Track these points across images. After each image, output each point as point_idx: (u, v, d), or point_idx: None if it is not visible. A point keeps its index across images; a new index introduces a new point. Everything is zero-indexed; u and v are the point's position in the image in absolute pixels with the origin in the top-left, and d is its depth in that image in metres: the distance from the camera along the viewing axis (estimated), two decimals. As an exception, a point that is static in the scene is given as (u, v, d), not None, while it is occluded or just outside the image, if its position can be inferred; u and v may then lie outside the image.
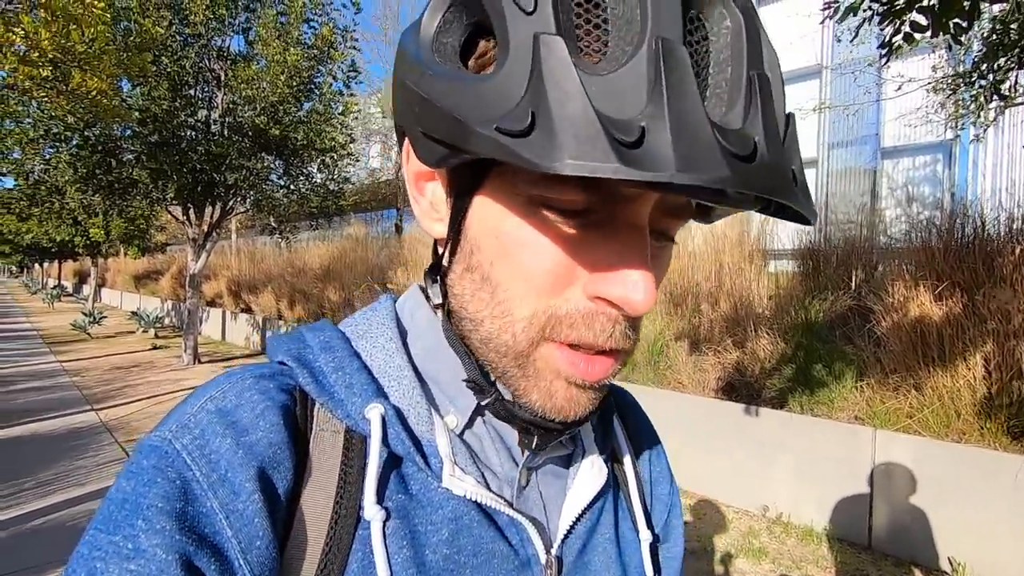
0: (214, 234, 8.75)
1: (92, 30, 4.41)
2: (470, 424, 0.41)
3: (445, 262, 0.39)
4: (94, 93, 4.81)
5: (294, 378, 0.39)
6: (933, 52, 5.75)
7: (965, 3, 2.00)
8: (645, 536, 0.48)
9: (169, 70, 7.36)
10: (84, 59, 4.62)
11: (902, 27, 2.26)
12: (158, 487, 0.32)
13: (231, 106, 7.97)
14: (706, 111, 0.26)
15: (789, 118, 0.31)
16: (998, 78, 3.63)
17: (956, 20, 2.07)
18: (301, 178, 8.93)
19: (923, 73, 6.00)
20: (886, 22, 2.29)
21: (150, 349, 10.69)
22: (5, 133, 7.53)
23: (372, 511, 0.35)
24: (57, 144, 7.76)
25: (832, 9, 2.76)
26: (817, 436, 3.46)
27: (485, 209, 0.35)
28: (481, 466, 0.40)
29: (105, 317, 14.15)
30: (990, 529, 2.82)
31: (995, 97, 3.70)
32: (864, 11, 2.53)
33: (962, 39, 2.24)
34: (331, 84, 8.27)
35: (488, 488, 0.39)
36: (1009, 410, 3.07)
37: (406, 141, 0.38)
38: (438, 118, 0.30)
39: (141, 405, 6.31)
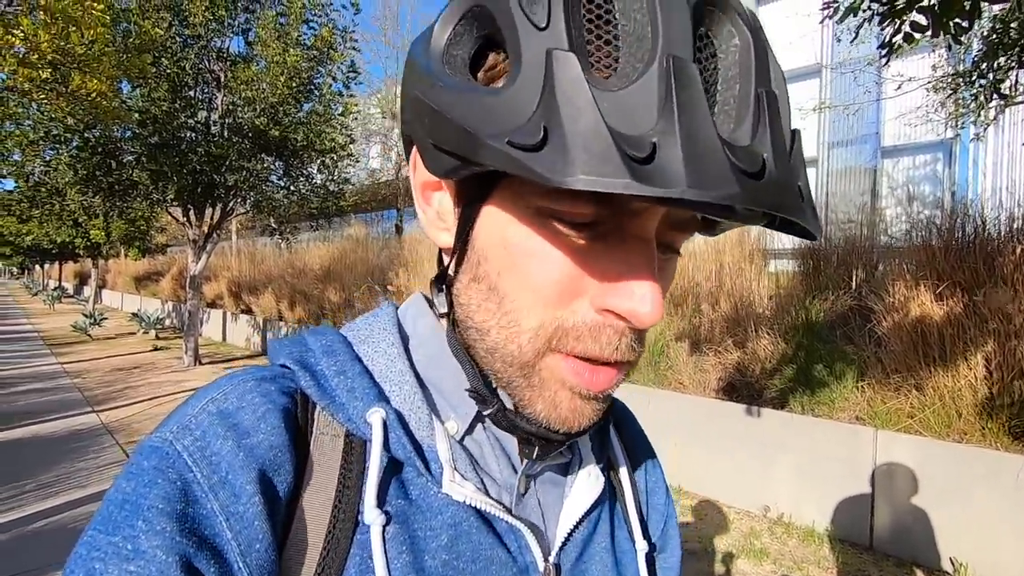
0: (214, 235, 8.75)
1: (91, 32, 4.42)
2: (470, 431, 0.41)
3: (451, 272, 0.39)
4: (94, 95, 4.81)
5: (296, 381, 0.39)
6: (933, 51, 5.75)
7: (966, 3, 1.99)
8: (641, 546, 0.48)
9: (169, 71, 7.36)
10: (83, 61, 4.62)
11: (902, 27, 2.26)
12: (159, 488, 0.31)
13: (231, 107, 7.97)
14: (716, 128, 0.26)
15: (795, 134, 0.31)
16: (998, 77, 3.63)
17: (956, 20, 2.07)
18: (301, 179, 8.93)
19: (923, 72, 6.00)
20: (886, 22, 2.28)
21: (151, 350, 10.69)
22: (5, 135, 7.54)
23: (372, 515, 0.35)
24: (57, 146, 7.76)
25: (832, 9, 2.76)
26: (818, 436, 3.45)
27: (493, 220, 0.35)
28: (481, 472, 0.40)
29: (106, 318, 14.16)
30: (992, 529, 2.81)
31: (995, 96, 3.70)
32: (864, 11, 2.53)
33: (962, 39, 2.24)
34: (331, 85, 8.27)
35: (487, 494, 0.40)
36: (1010, 410, 3.07)
37: (414, 151, 0.38)
38: (449, 130, 0.31)
39: (142, 407, 6.31)
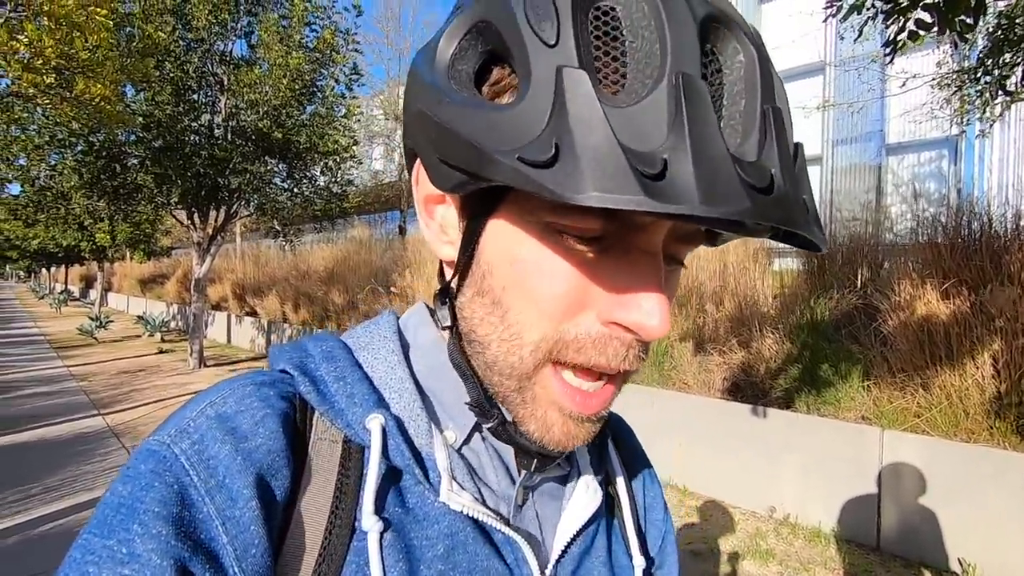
0: (219, 238, 8.79)
1: (95, 37, 4.44)
2: (468, 440, 0.41)
3: (455, 285, 0.39)
4: (98, 99, 4.84)
5: (295, 386, 0.39)
6: (938, 47, 5.71)
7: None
8: (639, 562, 0.48)
9: (172, 75, 7.39)
10: (87, 66, 4.65)
11: (907, 25, 2.24)
12: (155, 491, 0.31)
13: (234, 110, 8.01)
14: (725, 144, 0.27)
15: (798, 148, 0.31)
16: (1004, 73, 3.61)
17: (962, 17, 2.05)
18: (304, 181, 8.96)
19: (928, 69, 5.96)
20: (890, 20, 2.27)
21: (156, 353, 10.74)
22: (11, 140, 7.59)
23: (370, 522, 0.35)
24: (62, 150, 7.81)
25: (835, 8, 2.74)
26: (824, 436, 3.44)
27: (499, 234, 0.35)
28: (478, 482, 0.40)
29: (112, 321, 14.23)
30: (1000, 529, 2.79)
31: (1001, 92, 3.67)
32: (868, 9, 2.51)
33: (968, 36, 2.22)
34: (333, 87, 8.29)
35: (485, 505, 0.39)
36: (1019, 409, 3.05)
37: (417, 164, 0.38)
38: (457, 145, 0.31)
39: (148, 409, 6.33)
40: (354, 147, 9.04)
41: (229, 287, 12.10)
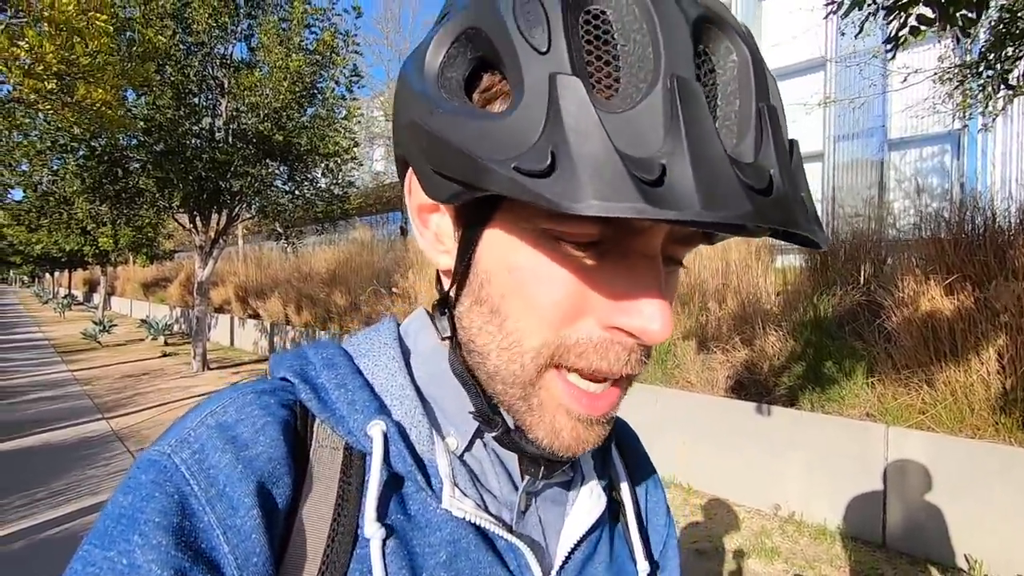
0: (221, 241, 8.80)
1: (96, 42, 4.44)
2: (470, 447, 0.41)
3: (452, 295, 0.39)
4: (99, 104, 4.84)
5: (295, 394, 0.38)
6: (939, 42, 5.69)
7: (973, -6, 1.97)
8: (643, 567, 0.48)
9: (173, 79, 7.41)
10: (88, 71, 4.65)
11: (908, 20, 2.23)
12: (156, 502, 0.31)
13: (235, 113, 8.02)
14: (723, 146, 0.26)
15: (793, 145, 0.31)
16: (1006, 67, 3.59)
17: (964, 12, 2.04)
18: (306, 183, 8.98)
19: (929, 63, 5.94)
20: (892, 16, 2.26)
21: (160, 356, 10.76)
22: (13, 146, 7.63)
23: (372, 529, 0.34)
24: (64, 155, 7.84)
25: (836, 4, 2.73)
26: (828, 433, 3.43)
27: (495, 242, 0.35)
28: (481, 489, 0.40)
29: (115, 325, 14.26)
30: (1007, 525, 2.78)
31: (1003, 86, 3.65)
32: (868, 4, 2.51)
33: (970, 31, 2.21)
34: (334, 89, 8.30)
35: (487, 511, 0.39)
36: (1024, 404, 3.03)
37: (409, 173, 0.38)
38: (450, 156, 0.30)
39: (152, 413, 6.35)
40: (355, 149, 9.05)
41: (232, 290, 12.13)
